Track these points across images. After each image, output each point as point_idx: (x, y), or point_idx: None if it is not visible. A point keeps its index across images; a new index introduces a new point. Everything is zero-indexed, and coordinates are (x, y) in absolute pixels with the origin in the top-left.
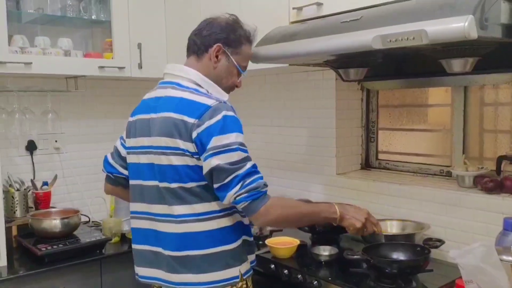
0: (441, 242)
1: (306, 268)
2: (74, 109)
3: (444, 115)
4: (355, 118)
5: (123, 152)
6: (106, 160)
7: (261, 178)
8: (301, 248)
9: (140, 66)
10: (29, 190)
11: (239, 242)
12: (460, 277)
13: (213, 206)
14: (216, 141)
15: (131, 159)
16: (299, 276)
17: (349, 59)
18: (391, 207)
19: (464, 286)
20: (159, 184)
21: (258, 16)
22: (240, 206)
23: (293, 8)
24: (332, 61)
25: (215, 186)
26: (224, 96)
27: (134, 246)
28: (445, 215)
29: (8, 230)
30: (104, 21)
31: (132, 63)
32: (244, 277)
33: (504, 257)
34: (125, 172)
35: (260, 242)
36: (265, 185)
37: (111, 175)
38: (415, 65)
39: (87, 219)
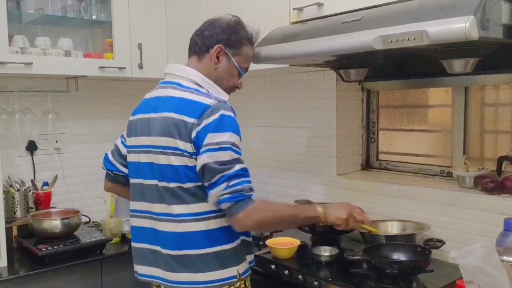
0: (442, 242)
1: (306, 269)
2: (75, 109)
3: (444, 115)
4: (355, 118)
5: (123, 150)
6: (106, 158)
7: (248, 182)
8: (302, 248)
9: (140, 67)
10: (30, 191)
11: (237, 242)
12: (461, 278)
13: (211, 206)
14: (210, 138)
15: (132, 158)
16: (300, 276)
17: (350, 59)
18: (392, 207)
19: (464, 287)
20: (159, 183)
21: (258, 17)
22: (222, 207)
23: (294, 9)
24: (332, 62)
25: (205, 184)
26: (224, 96)
27: (133, 244)
28: (446, 215)
29: (8, 231)
30: (105, 22)
31: (132, 63)
32: (242, 277)
33: (505, 258)
34: (125, 170)
35: (261, 243)
36: (251, 189)
37: (110, 173)
38: (415, 65)
39: (88, 220)
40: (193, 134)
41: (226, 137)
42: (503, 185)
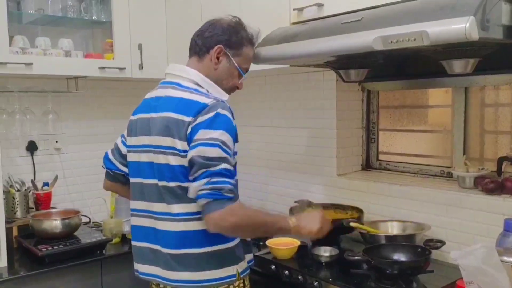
0: (442, 243)
1: (306, 269)
2: (75, 109)
3: (444, 116)
4: (355, 119)
5: (123, 149)
6: (106, 157)
7: (230, 183)
8: (302, 248)
9: (140, 67)
10: (30, 191)
11: (236, 241)
12: (461, 278)
13: None
14: (201, 134)
15: (132, 157)
16: (300, 277)
17: (350, 60)
18: (392, 208)
19: (464, 287)
20: (158, 182)
21: (258, 17)
22: (199, 202)
23: (294, 9)
24: (332, 62)
25: (189, 178)
26: (224, 96)
27: (133, 243)
28: (446, 216)
29: (8, 231)
30: (105, 22)
31: (132, 63)
32: (241, 276)
33: (505, 258)
34: (124, 169)
35: (261, 243)
36: (231, 191)
37: (110, 171)
38: (415, 66)
39: (88, 220)
40: (188, 131)
41: (217, 134)
42: (503, 186)
